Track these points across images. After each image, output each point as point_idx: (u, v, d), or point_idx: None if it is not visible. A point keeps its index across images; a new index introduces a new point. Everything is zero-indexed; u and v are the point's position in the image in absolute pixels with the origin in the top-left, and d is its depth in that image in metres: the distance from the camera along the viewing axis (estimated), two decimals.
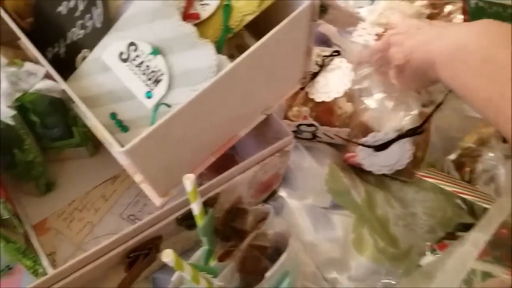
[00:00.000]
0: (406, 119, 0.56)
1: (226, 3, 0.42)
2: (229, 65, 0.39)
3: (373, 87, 0.57)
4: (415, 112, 0.56)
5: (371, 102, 0.57)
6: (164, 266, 0.56)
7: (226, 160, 0.59)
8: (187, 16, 0.42)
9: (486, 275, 0.43)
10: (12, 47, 0.57)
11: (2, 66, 0.49)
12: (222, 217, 0.41)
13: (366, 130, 0.59)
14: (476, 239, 0.39)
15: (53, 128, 0.55)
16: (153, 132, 0.36)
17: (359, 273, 0.56)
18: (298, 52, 0.47)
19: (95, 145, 0.60)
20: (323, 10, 0.74)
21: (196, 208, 0.37)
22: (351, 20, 0.75)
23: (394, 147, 0.56)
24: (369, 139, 0.57)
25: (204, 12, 0.43)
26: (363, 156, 0.58)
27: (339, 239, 0.58)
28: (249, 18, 0.43)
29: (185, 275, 0.34)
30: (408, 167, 0.58)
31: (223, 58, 0.40)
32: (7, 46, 0.57)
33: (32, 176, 0.56)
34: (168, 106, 0.40)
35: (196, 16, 0.43)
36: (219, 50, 0.42)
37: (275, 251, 0.46)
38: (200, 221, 0.37)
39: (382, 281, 0.55)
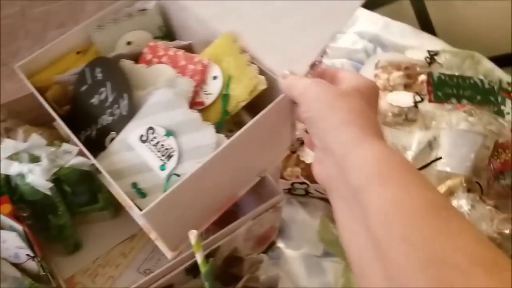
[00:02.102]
0: None
1: (225, 93, 0.53)
2: (225, 142, 0.49)
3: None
4: None
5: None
6: None
7: (230, 216, 0.67)
8: (194, 103, 0.53)
9: None
10: (48, 127, 0.67)
11: (43, 146, 0.60)
12: (221, 264, 0.49)
13: None
14: None
15: (82, 195, 0.63)
16: (165, 198, 0.45)
17: None
18: (284, 126, 0.58)
19: (116, 209, 0.69)
20: None
21: (199, 257, 0.45)
22: None
23: None
24: None
25: (207, 100, 0.53)
26: None
27: (330, 284, 0.65)
28: (242, 104, 0.53)
29: None
30: None
31: (221, 136, 0.50)
32: (44, 127, 0.68)
33: (63, 238, 0.64)
34: (178, 175, 0.49)
35: (201, 103, 0.53)
36: (219, 129, 0.52)
37: None
38: (203, 268, 0.46)
39: None
